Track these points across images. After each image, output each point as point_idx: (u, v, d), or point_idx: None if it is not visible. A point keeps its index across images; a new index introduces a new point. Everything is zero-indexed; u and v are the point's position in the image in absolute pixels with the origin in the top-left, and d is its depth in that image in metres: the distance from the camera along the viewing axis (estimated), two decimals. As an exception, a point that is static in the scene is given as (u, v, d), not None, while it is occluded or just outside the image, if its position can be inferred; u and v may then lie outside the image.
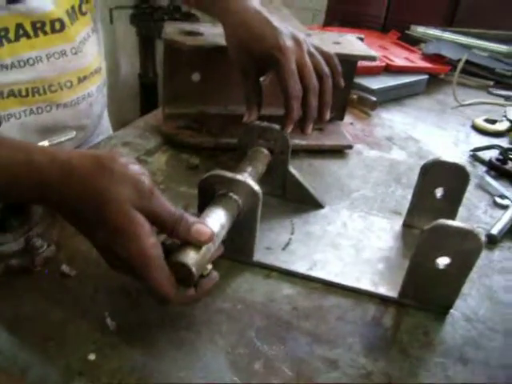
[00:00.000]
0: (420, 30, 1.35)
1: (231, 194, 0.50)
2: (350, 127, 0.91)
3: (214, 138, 0.76)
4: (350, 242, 0.60)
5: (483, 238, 0.45)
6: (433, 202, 0.60)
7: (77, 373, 0.43)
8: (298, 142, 0.78)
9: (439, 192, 0.59)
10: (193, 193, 0.66)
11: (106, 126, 0.99)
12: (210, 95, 0.82)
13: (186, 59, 0.76)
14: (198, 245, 0.44)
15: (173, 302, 0.45)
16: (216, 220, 0.47)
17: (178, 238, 0.45)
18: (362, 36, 0.83)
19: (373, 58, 0.75)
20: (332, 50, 0.74)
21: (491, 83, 1.23)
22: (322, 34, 0.82)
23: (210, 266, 0.47)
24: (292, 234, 0.60)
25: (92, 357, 0.44)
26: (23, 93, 0.71)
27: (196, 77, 0.80)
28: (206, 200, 0.51)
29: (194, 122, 0.79)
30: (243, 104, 0.83)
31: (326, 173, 0.76)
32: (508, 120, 1.02)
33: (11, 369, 0.43)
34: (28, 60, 0.69)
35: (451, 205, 0.59)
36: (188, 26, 0.76)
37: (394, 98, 1.06)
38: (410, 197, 0.71)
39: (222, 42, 0.70)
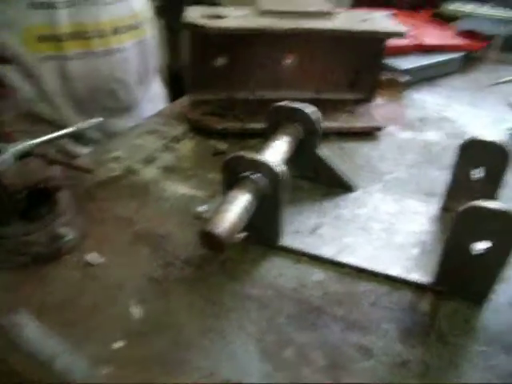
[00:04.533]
0: (454, 6, 1.29)
1: (254, 176, 0.48)
2: (380, 109, 0.88)
3: (240, 122, 0.75)
4: (381, 225, 0.57)
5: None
6: (472, 183, 0.57)
7: (104, 361, 0.42)
8: (327, 124, 0.75)
9: (478, 173, 0.56)
10: (220, 178, 0.65)
11: (156, 94, 1.05)
12: (236, 80, 0.80)
13: (210, 43, 0.74)
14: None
15: None
16: (238, 203, 0.45)
17: None
18: (391, 13, 0.80)
19: (401, 34, 0.72)
20: (358, 27, 0.72)
21: (531, 59, 1.17)
22: (348, 13, 0.79)
23: (242, 235, 0.46)
24: (321, 217, 0.58)
25: (120, 344, 0.44)
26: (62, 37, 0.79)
27: (221, 61, 0.78)
28: (229, 183, 0.49)
29: (221, 108, 0.78)
30: (272, 88, 0.82)
31: (356, 155, 0.73)
32: (549, 97, 0.96)
33: (39, 356, 0.43)
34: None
35: (492, 186, 0.56)
36: (210, 10, 0.74)
37: (426, 77, 1.02)
38: (445, 178, 0.68)
39: (247, 24, 0.68)
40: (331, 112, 0.80)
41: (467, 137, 0.80)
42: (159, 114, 0.83)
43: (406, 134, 0.80)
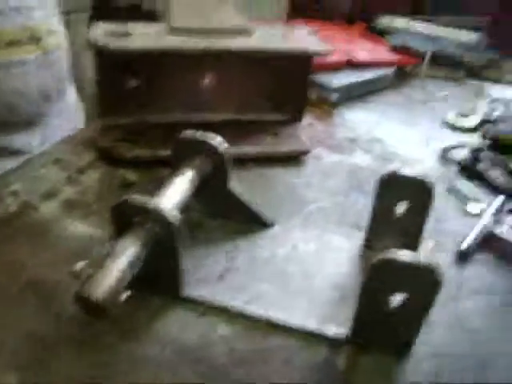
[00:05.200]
0: (387, 20, 1.28)
1: (146, 222, 0.42)
2: (308, 129, 0.83)
3: (152, 150, 0.68)
4: (299, 267, 0.52)
5: (441, 272, 0.38)
6: (394, 218, 0.52)
7: None
8: (248, 149, 0.70)
9: (401, 207, 0.52)
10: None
11: (67, 109, 1.00)
12: (149, 102, 0.74)
13: (118, 64, 0.67)
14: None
15: None
16: (122, 258, 0.39)
17: None
18: (315, 29, 0.76)
19: (321, 54, 0.68)
20: (277, 46, 0.67)
21: (461, 74, 1.16)
22: (267, 29, 0.74)
23: (127, 293, 0.40)
24: (232, 260, 0.52)
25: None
26: None
27: (132, 83, 0.71)
28: (120, 229, 0.43)
29: (132, 134, 0.71)
30: (189, 111, 0.76)
31: (279, 183, 0.68)
32: (480, 114, 0.95)
33: None
34: None
35: (416, 221, 0.52)
36: (117, 26, 0.67)
37: (358, 94, 0.98)
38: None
39: (154, 43, 0.62)
40: (254, 135, 0.74)
41: (397, 160, 0.77)
42: (67, 141, 0.75)
43: (334, 157, 0.76)
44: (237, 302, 0.47)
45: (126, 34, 0.64)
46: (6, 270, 0.50)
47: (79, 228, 0.57)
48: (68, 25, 1.94)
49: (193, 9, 0.71)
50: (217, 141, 0.52)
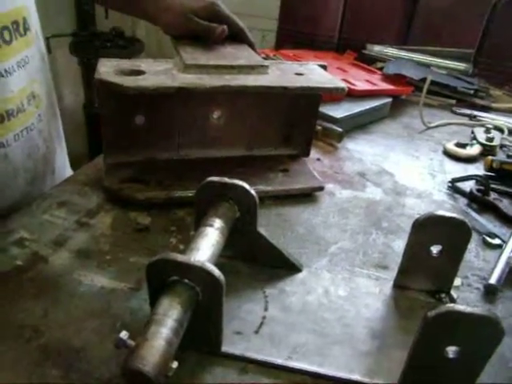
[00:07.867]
0: (377, 48, 1.29)
1: (186, 280, 0.40)
2: (317, 164, 0.82)
3: (165, 190, 0.66)
4: (334, 315, 0.50)
5: (503, 324, 0.37)
6: (429, 259, 0.51)
7: None
8: (262, 188, 0.68)
9: (436, 249, 0.51)
10: (145, 263, 0.55)
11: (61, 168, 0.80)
12: (158, 139, 0.71)
13: (127, 101, 0.65)
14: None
15: None
16: (168, 323, 0.37)
17: None
18: (325, 64, 0.75)
19: (342, 91, 0.67)
20: (295, 83, 0.66)
21: (454, 102, 1.18)
22: (281, 64, 0.73)
23: (175, 365, 0.37)
24: (266, 310, 0.50)
25: None
26: None
27: (140, 119, 0.69)
28: (156, 288, 0.41)
29: (141, 173, 0.68)
30: (198, 147, 0.74)
31: (297, 223, 0.66)
32: (479, 143, 0.96)
33: None
34: None
35: (451, 262, 0.51)
36: (126, 63, 0.65)
37: (358, 125, 0.98)
38: (393, 244, 0.64)
39: (169, 82, 0.60)
40: (265, 172, 0.73)
41: (409, 192, 0.77)
42: (70, 180, 0.71)
43: (347, 193, 0.75)
44: (278, 356, 0.45)
45: (139, 72, 0.62)
46: (16, 336, 0.46)
47: (96, 281, 0.53)
48: (49, 50, 1.90)
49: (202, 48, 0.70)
50: (246, 185, 0.50)
